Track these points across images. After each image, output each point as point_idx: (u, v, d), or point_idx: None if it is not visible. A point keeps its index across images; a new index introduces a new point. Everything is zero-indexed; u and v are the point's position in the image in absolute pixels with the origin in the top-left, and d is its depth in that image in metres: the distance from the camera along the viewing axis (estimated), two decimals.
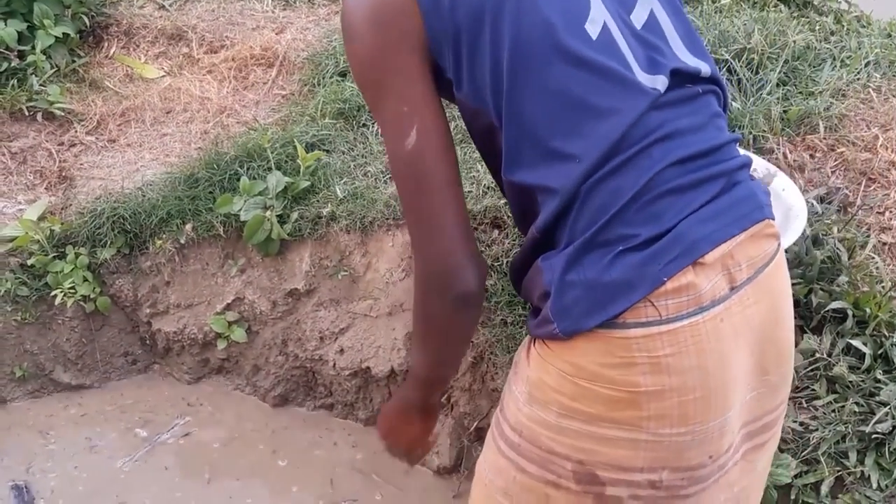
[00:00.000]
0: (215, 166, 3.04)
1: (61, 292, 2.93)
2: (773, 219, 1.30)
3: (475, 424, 2.75)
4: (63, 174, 3.24)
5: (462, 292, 1.25)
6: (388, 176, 2.92)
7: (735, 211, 1.24)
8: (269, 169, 2.93)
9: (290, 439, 2.97)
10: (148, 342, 3.22)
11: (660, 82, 1.25)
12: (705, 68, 1.32)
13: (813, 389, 2.18)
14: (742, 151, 1.36)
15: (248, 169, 2.99)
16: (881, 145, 2.75)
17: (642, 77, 1.25)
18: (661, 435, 1.22)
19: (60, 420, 3.02)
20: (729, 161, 1.27)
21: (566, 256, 1.22)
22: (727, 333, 1.22)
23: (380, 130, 1.29)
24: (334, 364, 2.95)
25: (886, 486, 1.99)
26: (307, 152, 2.92)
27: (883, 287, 2.28)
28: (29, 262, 2.96)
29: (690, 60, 1.31)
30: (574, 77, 1.23)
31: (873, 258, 2.37)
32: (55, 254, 2.98)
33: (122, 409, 3.07)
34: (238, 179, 2.94)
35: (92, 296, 3.01)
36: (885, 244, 2.47)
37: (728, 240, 1.21)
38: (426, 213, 1.25)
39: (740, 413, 1.30)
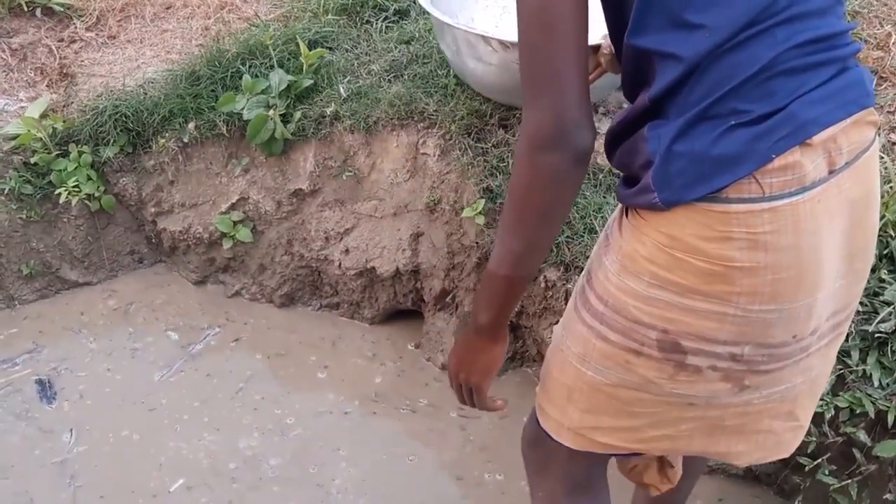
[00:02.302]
0: (217, 63, 3.00)
1: (65, 190, 2.93)
2: (873, 106, 1.31)
3: None
4: (64, 71, 3.20)
5: (579, 147, 1.20)
6: (392, 75, 2.88)
7: (844, 95, 1.24)
8: (272, 67, 2.90)
9: (331, 348, 2.99)
10: (154, 241, 3.23)
11: None
12: None
13: None
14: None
15: (250, 66, 2.96)
16: (894, 43, 2.70)
17: None
18: (750, 311, 1.24)
19: (97, 318, 3.06)
20: (844, 48, 1.26)
21: (676, 127, 1.22)
22: (823, 215, 1.23)
23: None
24: (340, 264, 2.96)
25: (888, 384, 2.01)
26: (310, 49, 2.88)
27: (891, 187, 2.27)
28: (32, 160, 2.95)
29: None
30: None
31: (882, 158, 2.35)
32: (58, 152, 2.97)
33: (153, 308, 3.10)
34: (240, 77, 2.91)
35: (96, 194, 3.01)
36: (893, 144, 2.44)
37: (835, 123, 1.21)
38: (550, 64, 1.20)
39: (830, 300, 1.32)
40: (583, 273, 1.47)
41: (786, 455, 1.49)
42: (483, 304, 1.38)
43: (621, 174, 1.37)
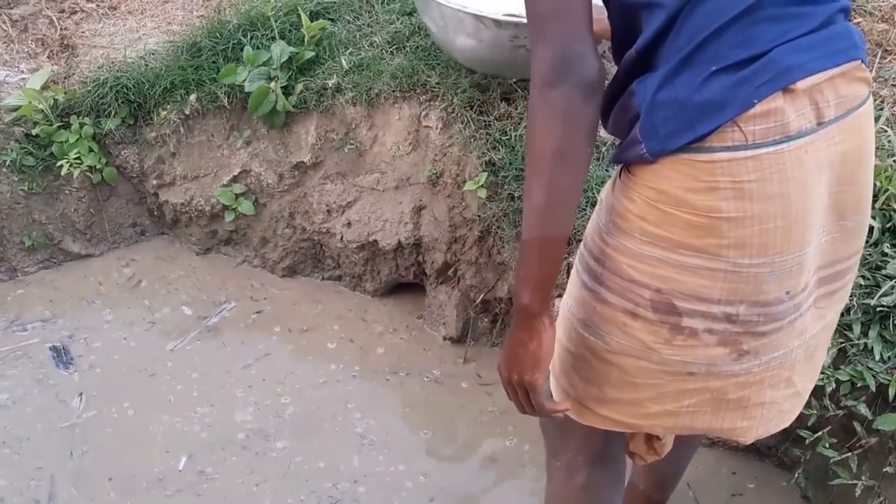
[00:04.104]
0: (218, 35, 2.99)
1: (67, 162, 2.92)
2: (866, 63, 1.30)
3: (481, 297, 2.78)
4: (65, 42, 3.19)
5: (585, 77, 1.18)
6: (394, 47, 2.87)
7: (830, 45, 1.24)
8: (273, 38, 2.88)
9: (339, 320, 2.99)
10: (156, 213, 3.23)
11: None
12: None
13: None
14: None
15: (251, 38, 2.94)
16: None
17: None
18: (740, 265, 1.24)
19: (112, 289, 3.06)
20: (830, 3, 1.26)
21: (660, 76, 1.23)
22: (810, 166, 1.23)
23: None
24: (342, 237, 2.96)
25: (889, 357, 2.01)
26: (311, 21, 2.86)
27: (895, 161, 2.26)
28: (34, 132, 2.94)
29: None
30: None
31: (886, 131, 2.34)
32: (59, 123, 2.96)
33: (169, 283, 3.10)
34: (241, 49, 2.89)
35: (98, 166, 3.00)
36: None
37: (820, 71, 1.21)
38: (552, 0, 1.20)
39: (815, 255, 1.33)
40: (583, 239, 1.47)
41: (786, 426, 1.49)
42: (521, 282, 1.30)
43: (617, 140, 1.36)
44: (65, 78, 3.07)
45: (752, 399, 1.40)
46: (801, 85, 1.19)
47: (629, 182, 1.30)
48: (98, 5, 3.33)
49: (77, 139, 2.95)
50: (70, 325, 2.89)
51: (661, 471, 2.05)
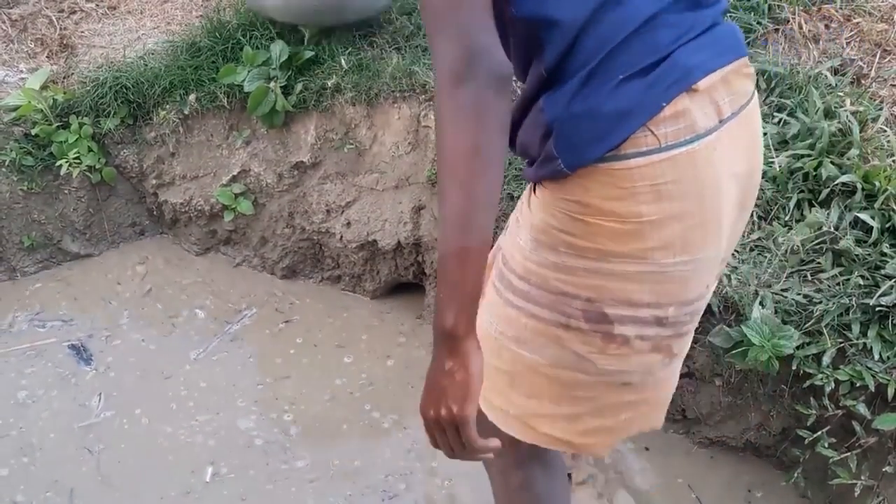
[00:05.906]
0: (217, 35, 2.98)
1: (66, 162, 2.92)
2: (749, 58, 1.35)
3: None
4: (64, 42, 3.19)
5: (494, 71, 1.11)
6: (393, 47, 2.87)
7: (721, 44, 1.28)
8: (272, 38, 2.88)
9: (348, 325, 2.98)
10: (155, 213, 3.23)
11: None
12: None
13: (818, 262, 2.19)
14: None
15: (250, 38, 2.94)
16: None
17: None
18: (666, 265, 1.26)
19: (126, 289, 3.06)
20: (713, 6, 1.30)
21: (570, 90, 1.22)
22: (719, 162, 1.26)
23: None
24: (341, 237, 2.95)
25: (888, 357, 2.02)
26: None
27: (894, 161, 2.26)
28: (33, 132, 2.93)
29: None
30: None
31: (885, 131, 2.34)
32: (59, 123, 2.95)
33: (181, 288, 3.09)
34: (241, 49, 2.89)
35: (97, 166, 3.00)
36: None
37: (716, 70, 1.25)
38: None
39: (726, 245, 1.37)
40: (497, 258, 1.45)
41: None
42: (442, 303, 1.19)
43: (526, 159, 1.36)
44: (64, 78, 3.07)
45: (668, 392, 1.47)
46: (703, 85, 1.22)
47: (547, 198, 1.30)
48: (97, 5, 3.33)
49: (76, 139, 2.94)
50: (88, 326, 2.89)
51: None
